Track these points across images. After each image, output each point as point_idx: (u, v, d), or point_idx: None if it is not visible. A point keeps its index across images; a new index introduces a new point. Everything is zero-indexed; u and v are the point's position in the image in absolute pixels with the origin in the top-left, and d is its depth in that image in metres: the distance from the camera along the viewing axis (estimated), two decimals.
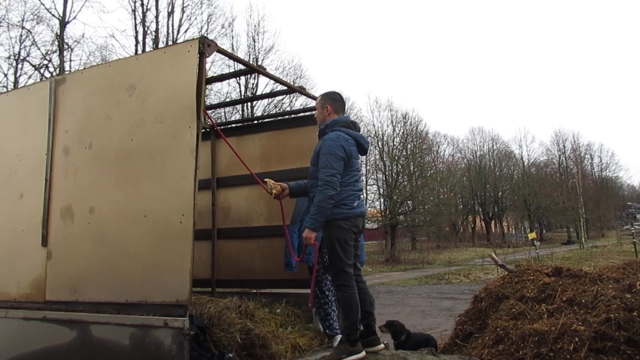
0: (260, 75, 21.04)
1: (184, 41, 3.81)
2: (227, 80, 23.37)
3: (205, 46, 3.53)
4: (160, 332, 3.30)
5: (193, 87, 3.46)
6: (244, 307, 4.06)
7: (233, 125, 6.44)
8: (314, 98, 5.46)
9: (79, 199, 3.95)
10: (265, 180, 4.34)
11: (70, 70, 18.69)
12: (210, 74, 20.65)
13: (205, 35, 21.53)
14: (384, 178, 36.75)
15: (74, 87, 4.15)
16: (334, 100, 4.13)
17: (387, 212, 35.73)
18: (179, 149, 3.49)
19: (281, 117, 6.16)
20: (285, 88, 5.66)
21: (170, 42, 20.29)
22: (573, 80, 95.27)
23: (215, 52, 3.67)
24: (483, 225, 52.40)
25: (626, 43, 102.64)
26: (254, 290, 5.72)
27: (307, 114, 5.57)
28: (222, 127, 6.13)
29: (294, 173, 5.37)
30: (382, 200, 37.29)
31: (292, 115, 6.18)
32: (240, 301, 4.19)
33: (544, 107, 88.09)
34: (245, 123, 6.46)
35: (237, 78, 23.50)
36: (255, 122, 6.20)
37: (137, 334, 3.41)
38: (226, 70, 20.76)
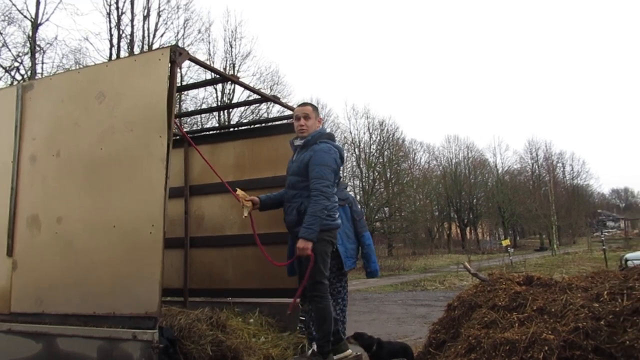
0: (238, 74, 21.04)
1: (155, 49, 3.75)
2: (204, 89, 23.39)
3: (177, 55, 3.49)
4: (128, 345, 3.23)
5: (164, 95, 3.41)
6: (215, 318, 4.00)
7: (206, 132, 6.36)
8: (287, 107, 5.45)
9: (46, 208, 3.85)
10: (237, 193, 4.29)
11: (42, 73, 18.33)
12: (186, 79, 20.53)
13: (181, 39, 21.45)
14: (360, 185, 36.91)
15: (42, 94, 4.06)
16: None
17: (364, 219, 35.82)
18: (149, 158, 3.43)
19: (255, 126, 6.12)
20: (259, 97, 5.64)
21: (145, 47, 20.09)
22: (546, 89, 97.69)
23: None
24: (458, 231, 53.01)
25: (597, 56, 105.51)
26: (229, 299, 5.66)
27: (280, 122, 5.55)
28: (195, 135, 6.07)
29: (268, 182, 5.35)
30: (358, 207, 37.41)
31: (266, 124, 6.15)
32: (212, 312, 4.13)
33: (517, 116, 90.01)
34: (219, 131, 6.40)
35: (214, 86, 23.47)
36: (229, 130, 6.15)
37: (105, 347, 3.33)
38: (202, 76, 20.66)
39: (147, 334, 3.17)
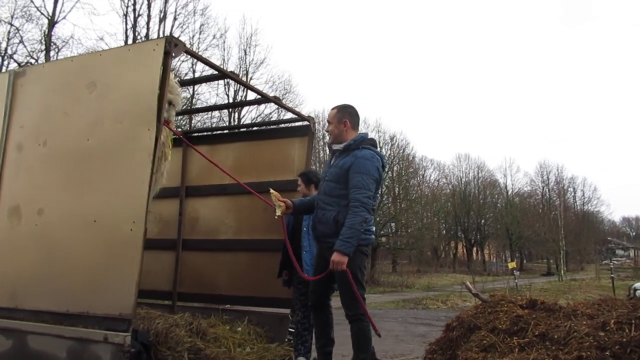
0: (250, 82, 20.98)
1: (151, 39, 3.61)
2: (216, 91, 23.39)
3: (172, 46, 3.34)
4: (99, 347, 3.05)
5: (155, 87, 3.26)
6: (195, 324, 3.80)
7: (205, 133, 6.23)
8: (289, 109, 5.30)
9: (28, 199, 3.70)
10: (271, 192, 3.86)
11: None
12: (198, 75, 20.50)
13: (196, 44, 21.50)
14: None
15: (34, 81, 3.93)
16: (352, 115, 3.79)
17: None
18: (136, 151, 3.28)
19: (256, 128, 5.96)
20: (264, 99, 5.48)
21: None
22: (560, 113, 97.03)
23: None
24: (465, 251, 52.40)
25: (614, 84, 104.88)
26: (227, 305, 5.47)
27: (281, 125, 5.40)
28: (194, 135, 5.93)
29: (267, 186, 5.17)
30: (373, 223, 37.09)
31: (267, 127, 6.01)
32: (192, 318, 3.94)
33: (529, 138, 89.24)
34: (219, 132, 6.26)
35: (225, 89, 23.50)
36: (228, 131, 6.01)
37: (75, 348, 3.15)
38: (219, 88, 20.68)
39: (119, 337, 2.99)
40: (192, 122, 19.44)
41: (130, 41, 19.96)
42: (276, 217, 3.76)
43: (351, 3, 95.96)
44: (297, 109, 5.34)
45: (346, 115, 3.75)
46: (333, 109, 3.81)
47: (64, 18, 18.91)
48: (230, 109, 23.20)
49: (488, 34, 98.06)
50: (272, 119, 21.81)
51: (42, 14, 18.60)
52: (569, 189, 54.79)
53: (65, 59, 5.09)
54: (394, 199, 38.59)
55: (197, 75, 21.46)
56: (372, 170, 3.52)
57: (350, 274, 3.43)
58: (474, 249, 52.72)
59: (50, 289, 3.41)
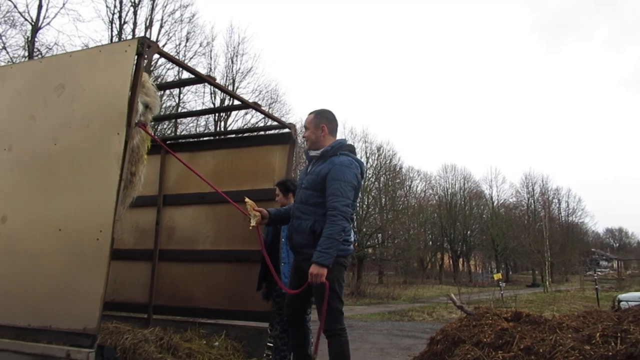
0: (237, 91, 20.81)
1: (123, 40, 3.47)
2: (202, 100, 23.20)
3: (145, 47, 3.21)
4: None
5: (126, 89, 3.12)
6: (166, 339, 3.62)
7: (185, 140, 6.07)
8: (270, 116, 5.18)
9: None
10: (246, 200, 3.72)
11: None
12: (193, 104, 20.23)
13: (182, 52, 21.34)
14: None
15: (0, 83, 3.76)
16: (330, 120, 3.66)
17: (356, 244, 35.38)
18: (104, 156, 3.12)
19: (237, 135, 5.83)
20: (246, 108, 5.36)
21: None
22: (545, 123, 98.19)
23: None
24: (451, 262, 52.46)
25: (596, 95, 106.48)
26: (204, 319, 5.29)
27: (262, 133, 5.27)
28: (173, 142, 5.77)
29: (246, 195, 5.01)
30: (353, 233, 36.93)
31: (249, 134, 5.87)
32: (163, 332, 3.75)
33: (515, 149, 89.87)
34: (198, 139, 6.10)
35: (212, 97, 23.32)
36: (208, 138, 5.87)
37: None
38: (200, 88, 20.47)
39: (82, 353, 2.81)
40: (178, 131, 19.22)
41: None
42: (251, 227, 3.61)
43: (340, 15, 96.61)
44: (283, 119, 5.19)
45: (324, 120, 3.61)
46: (310, 114, 3.67)
47: (48, 24, 18.62)
48: (217, 118, 23.04)
49: (475, 44, 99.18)
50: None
51: (25, 19, 18.34)
52: (554, 200, 55.27)
53: (33, 60, 4.91)
54: (381, 210, 38.56)
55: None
56: (350, 177, 3.38)
57: (328, 287, 3.28)
58: (460, 260, 52.82)
59: (11, 302, 3.22)
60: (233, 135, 5.79)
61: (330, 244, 3.23)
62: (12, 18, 18.27)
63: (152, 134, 3.78)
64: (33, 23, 18.32)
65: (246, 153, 5.25)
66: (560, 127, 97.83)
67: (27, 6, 18.22)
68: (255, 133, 5.70)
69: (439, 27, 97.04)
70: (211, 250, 5.27)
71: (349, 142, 3.94)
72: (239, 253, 5.09)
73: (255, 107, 4.81)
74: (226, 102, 22.80)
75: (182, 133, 19.37)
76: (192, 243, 5.43)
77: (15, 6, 17.95)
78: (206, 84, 4.60)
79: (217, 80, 4.33)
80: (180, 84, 5.62)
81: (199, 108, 22.32)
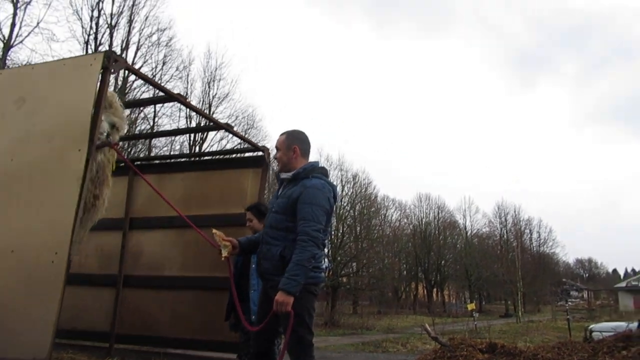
0: (214, 116, 20.64)
1: (89, 54, 3.33)
2: (177, 124, 22.91)
3: (112, 61, 3.08)
4: None
5: (89, 104, 2.98)
6: None
7: (155, 161, 5.88)
8: (242, 138, 5.06)
9: None
10: (214, 232, 3.50)
11: None
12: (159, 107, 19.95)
13: (158, 75, 21.17)
14: (329, 238, 36.31)
15: None
16: (302, 141, 3.50)
17: (330, 273, 35.06)
18: (64, 173, 2.95)
19: (208, 157, 5.68)
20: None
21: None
22: (517, 154, 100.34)
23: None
24: (425, 292, 52.38)
25: (564, 130, 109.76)
26: (170, 349, 5.03)
27: (234, 156, 5.13)
28: (142, 163, 5.59)
29: (217, 219, 4.86)
30: (325, 260, 36.63)
31: (220, 157, 5.73)
32: None
33: (488, 179, 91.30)
34: (169, 160, 5.93)
35: (187, 122, 23.07)
36: (179, 160, 5.71)
37: None
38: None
39: None
40: (152, 153, 18.93)
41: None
42: (222, 258, 3.44)
43: (319, 44, 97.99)
44: (265, 146, 5.03)
45: (296, 141, 3.49)
46: (282, 134, 3.54)
47: (21, 42, 18.34)
48: (191, 142, 22.77)
49: (451, 76, 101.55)
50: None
51: None
52: (526, 231, 56.01)
53: None
54: (356, 238, 38.44)
55: (159, 107, 21.18)
56: (322, 201, 3.24)
57: (295, 316, 3.11)
58: (434, 289, 52.81)
59: None
60: (204, 158, 5.63)
61: (298, 271, 3.06)
62: None
63: (121, 154, 3.62)
64: (5, 41, 18.01)
65: (217, 176, 5.10)
66: (531, 158, 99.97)
67: None
68: (228, 156, 5.53)
69: (414, 59, 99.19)
70: (178, 277, 5.06)
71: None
72: (208, 280, 4.89)
73: (227, 128, 4.68)
74: (203, 122, 22.57)
75: (157, 151, 19.08)
76: (159, 269, 5.21)
77: None
78: (182, 106, 4.47)
79: (193, 105, 4.20)
80: (149, 101, 5.46)
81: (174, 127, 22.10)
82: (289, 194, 3.29)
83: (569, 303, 33.84)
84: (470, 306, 26.84)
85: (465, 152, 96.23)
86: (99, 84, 3.04)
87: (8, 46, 17.79)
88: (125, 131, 3.81)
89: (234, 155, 5.07)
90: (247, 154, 5.28)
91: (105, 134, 3.34)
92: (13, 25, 17.95)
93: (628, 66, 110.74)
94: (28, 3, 18.05)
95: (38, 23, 17.89)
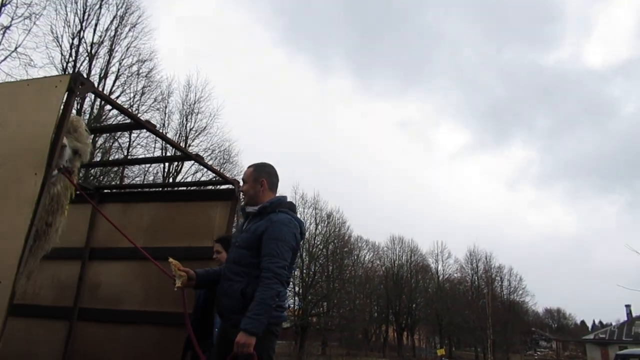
0: (189, 149, 20.45)
1: (55, 75, 3.24)
2: (152, 154, 22.63)
3: (78, 84, 2.98)
4: None
5: (50, 127, 2.86)
6: None
7: (120, 190, 5.72)
8: (212, 170, 4.96)
9: None
10: (170, 261, 3.39)
11: None
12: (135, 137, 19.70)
13: (136, 105, 21.04)
14: (300, 276, 35.84)
15: None
16: (270, 175, 3.42)
17: (300, 312, 34.45)
18: (16, 198, 2.79)
19: (175, 188, 5.53)
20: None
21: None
22: (489, 203, 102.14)
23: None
24: (395, 335, 51.77)
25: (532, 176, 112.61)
26: None
27: (201, 188, 5.01)
28: (108, 191, 5.41)
29: (181, 252, 4.68)
30: (296, 298, 36.05)
31: (187, 187, 5.59)
32: None
33: (460, 224, 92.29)
34: (135, 190, 5.76)
35: (163, 152, 22.80)
36: (146, 189, 5.55)
37: None
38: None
39: None
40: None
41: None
42: (175, 288, 3.28)
43: (299, 83, 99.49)
44: (235, 179, 4.91)
45: (263, 174, 3.40)
46: (250, 167, 3.46)
47: None
48: (165, 174, 22.46)
49: (422, 124, 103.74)
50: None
51: None
52: (497, 278, 56.35)
53: None
54: (328, 278, 38.05)
55: (134, 137, 20.89)
56: (288, 237, 3.14)
57: (257, 358, 2.95)
58: (405, 333, 52.25)
59: None
60: (173, 189, 5.49)
61: (261, 310, 2.93)
62: None
63: (75, 183, 3.45)
64: None
65: (185, 208, 4.95)
66: (502, 207, 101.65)
67: None
68: (197, 188, 5.40)
69: (393, 104, 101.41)
70: (138, 311, 4.82)
71: (300, 208, 3.74)
72: (169, 315, 4.67)
73: (196, 158, 4.58)
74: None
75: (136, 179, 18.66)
76: (118, 302, 4.96)
77: None
78: (157, 138, 4.35)
79: (169, 136, 4.10)
80: (116, 128, 5.36)
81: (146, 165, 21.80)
82: (254, 229, 3.18)
83: (538, 353, 33.85)
84: (440, 351, 26.67)
85: (439, 197, 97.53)
86: (62, 106, 2.92)
87: None
88: (89, 158, 3.66)
89: (202, 187, 4.93)
90: (216, 187, 5.18)
91: (66, 159, 3.20)
92: None
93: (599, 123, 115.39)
94: (7, 28, 17.92)
95: (16, 47, 17.70)
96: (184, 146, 22.97)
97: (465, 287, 54.84)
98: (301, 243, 3.52)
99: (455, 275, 55.50)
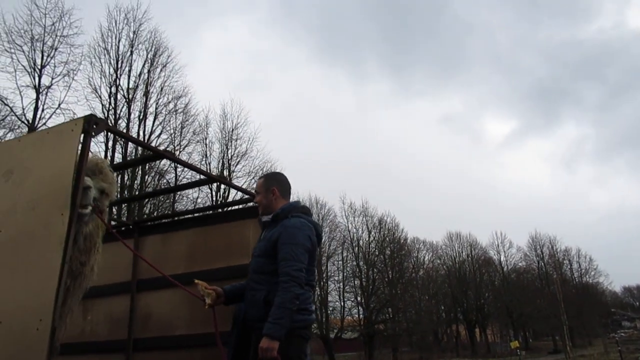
0: (233, 181, 20.89)
1: (70, 120, 3.44)
2: (198, 187, 23.29)
3: (92, 125, 3.15)
4: None
5: (70, 168, 3.03)
6: None
7: (158, 221, 5.91)
8: (238, 189, 5.09)
9: None
10: (196, 282, 3.55)
11: None
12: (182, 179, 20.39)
13: (177, 140, 21.76)
14: (360, 284, 35.68)
15: None
16: (280, 182, 3.53)
17: (365, 321, 34.22)
18: (47, 239, 2.97)
19: (208, 212, 5.68)
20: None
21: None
22: (544, 187, 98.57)
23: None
24: (467, 333, 50.47)
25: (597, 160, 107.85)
26: None
27: (234, 207, 5.14)
28: (147, 223, 5.63)
29: (221, 273, 4.83)
30: (359, 308, 35.87)
31: (220, 210, 5.73)
32: None
33: (518, 211, 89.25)
34: (172, 219, 5.95)
35: (210, 185, 23.43)
36: (181, 217, 5.74)
37: None
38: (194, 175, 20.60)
39: None
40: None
41: (110, 143, 20.09)
42: (206, 307, 3.39)
43: (336, 92, 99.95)
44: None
45: (274, 183, 3.50)
46: (260, 178, 3.59)
47: (44, 124, 19.14)
48: (215, 201, 22.98)
49: (463, 114, 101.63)
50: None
51: (22, 122, 18.84)
52: (565, 262, 54.12)
53: None
54: (389, 283, 37.72)
55: (179, 172, 21.56)
56: (302, 240, 3.18)
57: None
58: (476, 330, 50.82)
59: None
60: (206, 213, 5.65)
61: (281, 314, 2.97)
62: (11, 121, 18.82)
63: (105, 220, 3.62)
64: (29, 124, 18.83)
65: (218, 230, 5.09)
66: (561, 189, 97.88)
67: (23, 109, 18.76)
68: (227, 208, 5.55)
69: (436, 98, 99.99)
70: (187, 335, 4.95)
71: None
72: (204, 337, 4.79)
73: (221, 179, 4.73)
74: (222, 188, 22.91)
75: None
76: (169, 329, 5.12)
77: (11, 110, 18.57)
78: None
79: (213, 165, 4.27)
80: (138, 161, 5.61)
81: (195, 194, 22.47)
82: (269, 236, 3.27)
83: (621, 334, 32.18)
84: (514, 344, 25.81)
85: (493, 185, 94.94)
86: (79, 147, 3.10)
87: (32, 129, 18.59)
88: (116, 196, 3.84)
89: (232, 208, 5.07)
90: (245, 205, 5.30)
91: (91, 199, 3.36)
92: (36, 109, 18.85)
93: None
94: (49, 87, 19.02)
95: (59, 104, 18.79)
96: (227, 173, 23.55)
97: (533, 275, 52.88)
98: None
99: (520, 264, 53.65)
